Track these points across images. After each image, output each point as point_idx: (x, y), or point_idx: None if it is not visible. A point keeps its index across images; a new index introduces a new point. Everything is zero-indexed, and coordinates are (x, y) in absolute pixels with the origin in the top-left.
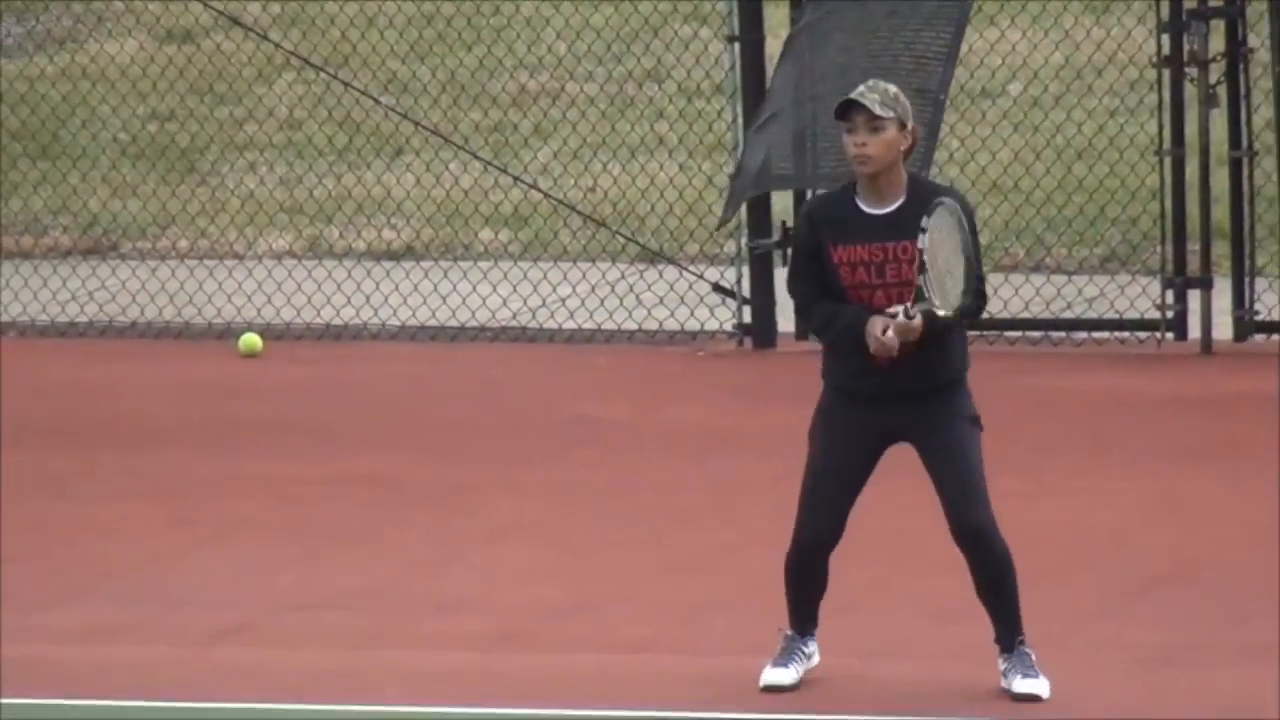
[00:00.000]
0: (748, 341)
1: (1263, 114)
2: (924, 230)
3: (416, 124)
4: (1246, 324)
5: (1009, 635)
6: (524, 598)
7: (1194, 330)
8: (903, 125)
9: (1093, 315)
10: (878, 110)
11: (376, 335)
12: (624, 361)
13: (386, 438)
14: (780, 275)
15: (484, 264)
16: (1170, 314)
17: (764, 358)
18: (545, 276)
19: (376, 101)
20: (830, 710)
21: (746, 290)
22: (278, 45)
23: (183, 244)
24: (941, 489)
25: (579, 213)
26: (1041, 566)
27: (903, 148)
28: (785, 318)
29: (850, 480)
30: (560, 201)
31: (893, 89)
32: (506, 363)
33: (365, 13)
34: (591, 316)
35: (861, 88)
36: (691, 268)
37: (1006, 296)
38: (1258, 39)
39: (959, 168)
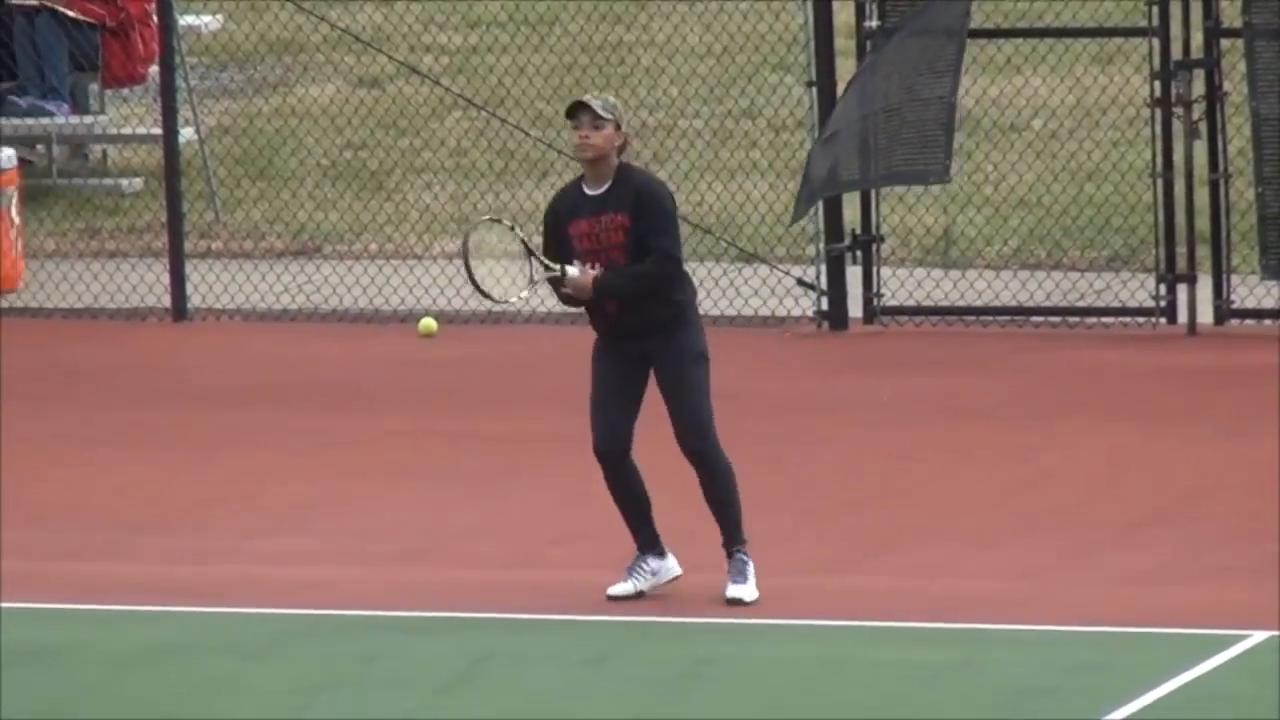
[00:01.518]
0: (825, 325)
1: (1235, 144)
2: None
3: (559, 152)
4: (1224, 311)
5: (731, 542)
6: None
7: (1181, 316)
8: (618, 126)
9: (1100, 304)
10: (600, 111)
11: (528, 320)
12: (725, 341)
13: (531, 400)
14: (852, 273)
15: None
16: (1163, 303)
17: (838, 338)
18: None
19: (526, 134)
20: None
21: (824, 283)
22: (448, 89)
23: (373, 247)
24: (671, 415)
25: (689, 222)
26: (1052, 504)
27: (616, 144)
28: (855, 305)
29: (621, 395)
30: None
31: (613, 99)
32: None
33: (517, 63)
34: (699, 305)
35: (589, 95)
36: (779, 266)
37: (1032, 289)
38: (1231, 84)
39: (993, 186)
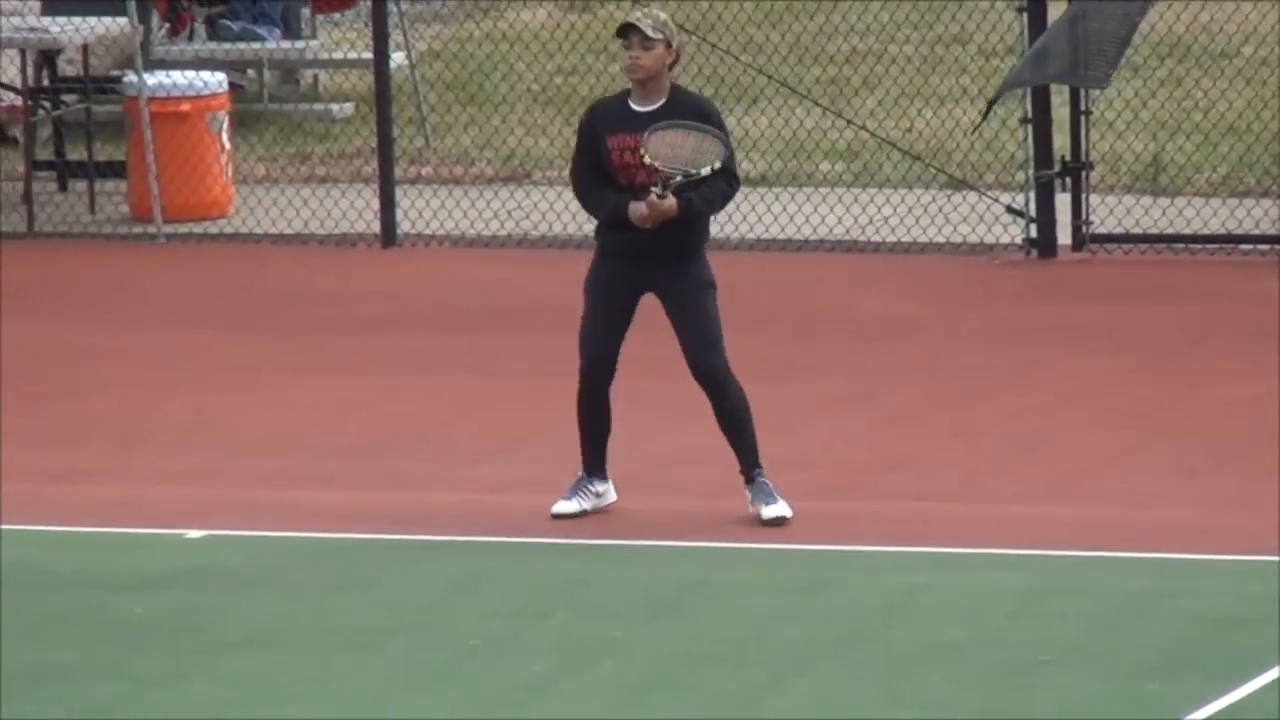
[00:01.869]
0: (1034, 253)
1: None
2: (645, 136)
3: (769, 77)
4: None
5: (749, 467)
6: (849, 456)
7: None
8: (668, 45)
9: None
10: (649, 32)
11: (736, 247)
12: (934, 268)
13: (742, 327)
14: (1060, 200)
15: (823, 190)
16: None
17: (1046, 266)
18: (871, 200)
19: (737, 59)
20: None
21: (1033, 210)
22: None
23: None
24: (681, 337)
25: (898, 149)
26: (1260, 431)
27: (668, 62)
28: (1064, 233)
29: (614, 321)
30: (884, 140)
31: (663, 16)
32: (840, 269)
33: None
34: (909, 232)
35: (638, 13)
36: (989, 193)
37: (1240, 217)
38: None
39: (1202, 113)
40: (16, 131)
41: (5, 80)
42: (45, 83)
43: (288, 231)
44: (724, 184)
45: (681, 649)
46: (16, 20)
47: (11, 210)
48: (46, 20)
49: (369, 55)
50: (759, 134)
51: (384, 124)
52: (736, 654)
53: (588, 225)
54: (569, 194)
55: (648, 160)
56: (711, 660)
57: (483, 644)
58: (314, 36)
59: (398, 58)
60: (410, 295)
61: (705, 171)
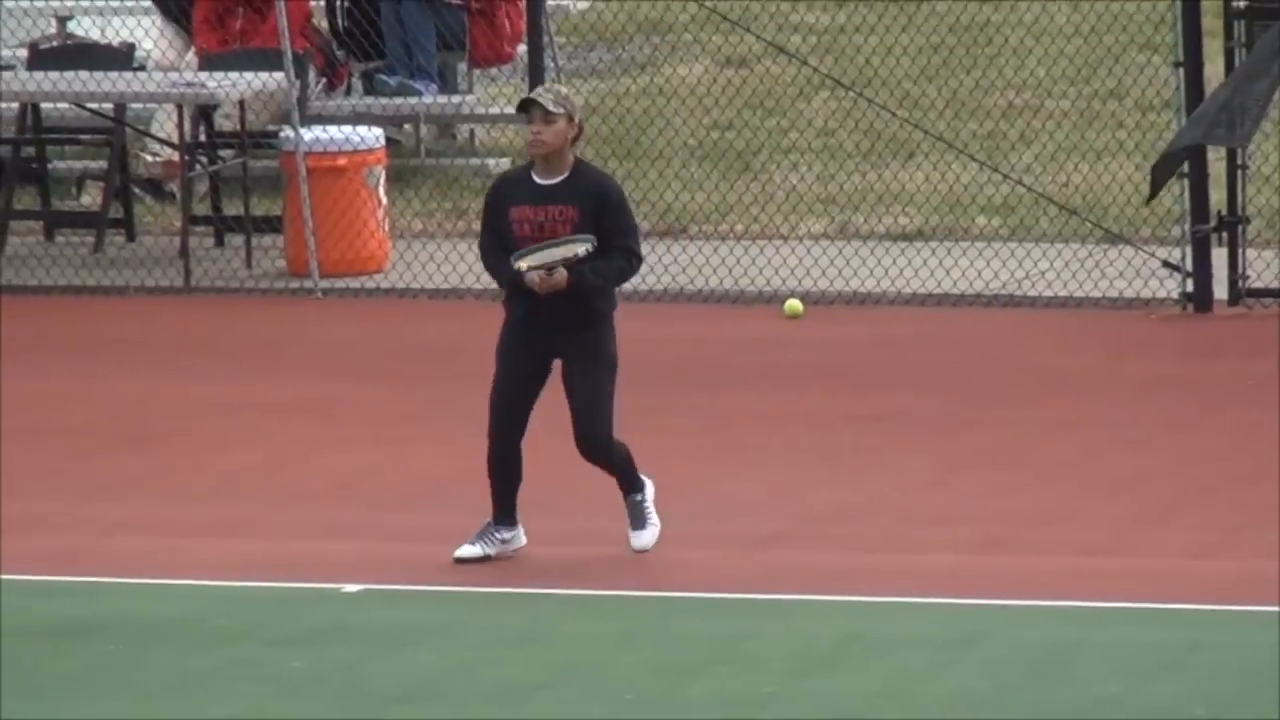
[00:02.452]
0: (1190, 307)
1: None
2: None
3: (925, 132)
4: None
5: (627, 490)
6: (1005, 509)
7: None
8: (570, 119)
9: None
10: (550, 107)
11: (893, 301)
12: (1090, 323)
13: (900, 381)
14: (1217, 255)
15: (979, 244)
16: None
17: (1203, 320)
18: (1028, 254)
19: (894, 114)
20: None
21: (1189, 265)
22: (815, 68)
23: (738, 227)
24: (574, 413)
25: (1055, 203)
26: None
27: (570, 136)
28: (1220, 287)
29: (521, 386)
30: (1040, 194)
31: (564, 91)
32: (996, 323)
33: (884, 43)
34: (1065, 286)
35: (540, 89)
36: (1145, 248)
37: None
38: None
39: None
40: (173, 187)
41: (162, 135)
42: (202, 138)
43: (444, 286)
44: (622, 261)
45: (836, 705)
46: (174, 76)
47: (168, 265)
48: (204, 76)
49: None
50: (915, 188)
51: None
52: (892, 709)
53: (744, 279)
54: (724, 248)
55: (522, 267)
56: (864, 716)
57: (637, 699)
58: (470, 91)
59: None
60: None
61: (581, 252)
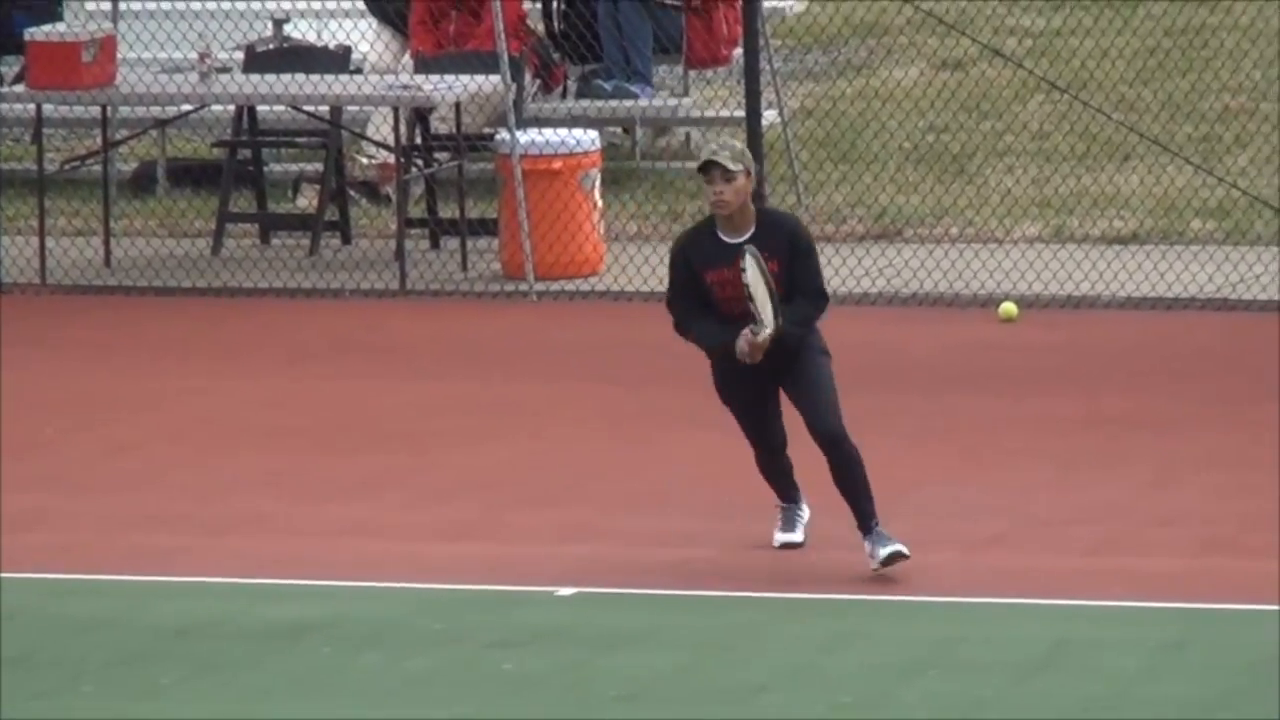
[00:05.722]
0: None
1: None
2: (742, 269)
3: (1141, 135)
4: None
5: (864, 519)
6: (1226, 512)
7: None
8: (748, 174)
9: None
10: (730, 165)
11: (1108, 305)
12: None
13: (1118, 385)
14: None
15: (1194, 248)
16: None
17: None
18: (1243, 258)
19: (1109, 117)
20: None
21: None
22: (1030, 71)
23: (954, 230)
24: (802, 407)
25: (1270, 206)
26: None
27: (750, 189)
28: None
29: (768, 411)
30: (1256, 198)
31: (739, 145)
32: (1211, 327)
33: (1100, 46)
34: None
35: (714, 147)
36: None
37: None
38: None
39: None
40: (390, 189)
41: (378, 138)
42: (418, 141)
43: (659, 289)
44: (817, 303)
45: (1052, 708)
46: (390, 79)
47: (384, 268)
48: (419, 79)
49: (741, 113)
50: (1130, 192)
51: (756, 181)
52: (1106, 713)
53: (959, 283)
54: (940, 251)
55: (746, 279)
56: None
57: (854, 701)
58: (686, 94)
59: (770, 115)
60: None
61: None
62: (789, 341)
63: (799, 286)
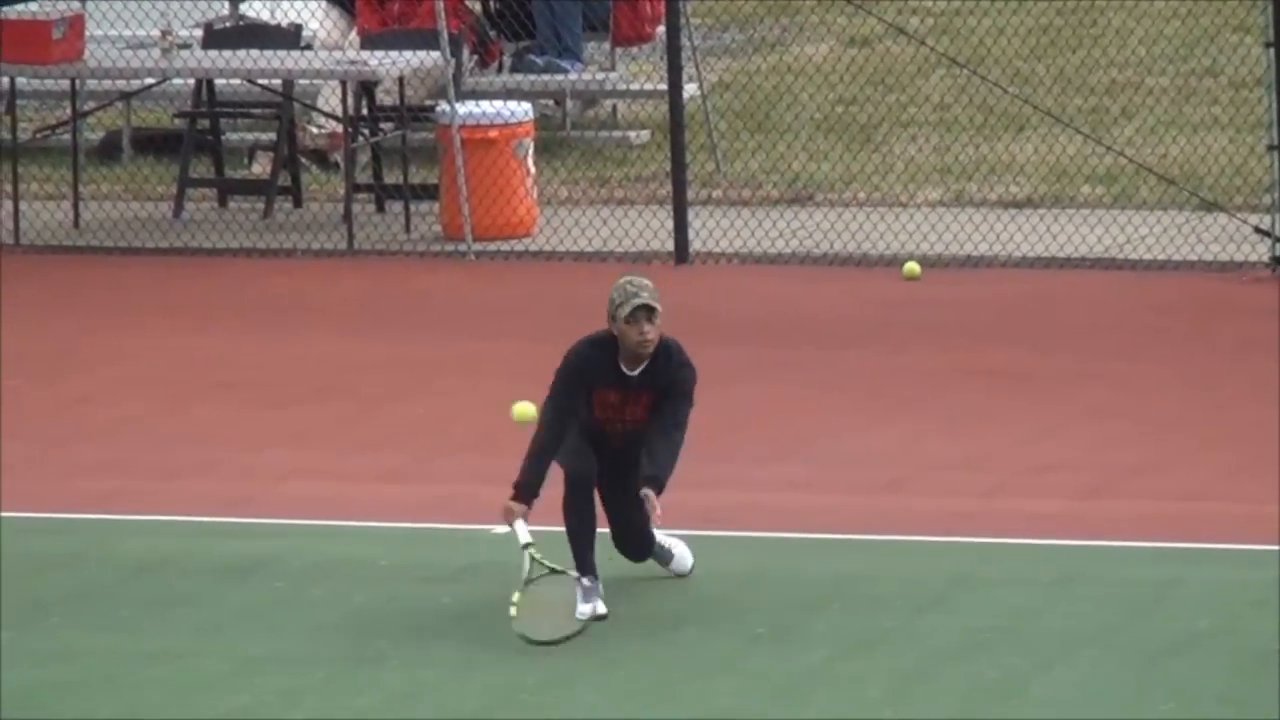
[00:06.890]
0: (1279, 270)
1: None
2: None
3: (1035, 107)
4: None
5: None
6: (1109, 460)
7: None
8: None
9: None
10: (657, 305)
11: (1004, 264)
12: (1186, 285)
13: (1010, 338)
14: None
15: (1084, 212)
16: None
17: None
18: (1129, 220)
19: (1005, 90)
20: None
21: (1279, 230)
22: (932, 48)
23: (861, 195)
24: (616, 519)
25: (1154, 173)
26: None
27: None
28: None
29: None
30: (1141, 165)
31: (649, 281)
32: (1099, 285)
33: (997, 24)
34: (1164, 251)
35: (645, 292)
36: (1237, 214)
37: None
38: None
39: None
40: (338, 157)
41: (327, 110)
42: (364, 112)
43: (588, 250)
44: (677, 435)
45: (948, 639)
46: (338, 54)
47: (333, 230)
48: (365, 54)
49: (664, 86)
50: (1025, 159)
51: (678, 150)
52: (999, 644)
53: (866, 244)
54: (848, 214)
55: (531, 553)
56: (976, 649)
57: (767, 632)
58: (613, 69)
59: (690, 89)
60: (702, 308)
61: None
62: (660, 485)
63: (663, 416)
